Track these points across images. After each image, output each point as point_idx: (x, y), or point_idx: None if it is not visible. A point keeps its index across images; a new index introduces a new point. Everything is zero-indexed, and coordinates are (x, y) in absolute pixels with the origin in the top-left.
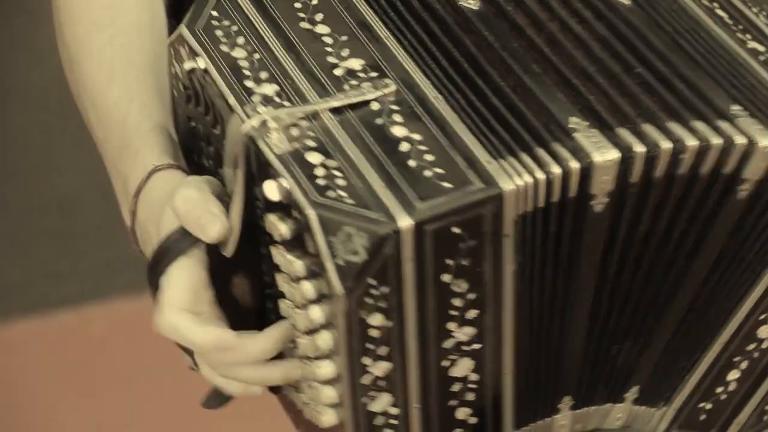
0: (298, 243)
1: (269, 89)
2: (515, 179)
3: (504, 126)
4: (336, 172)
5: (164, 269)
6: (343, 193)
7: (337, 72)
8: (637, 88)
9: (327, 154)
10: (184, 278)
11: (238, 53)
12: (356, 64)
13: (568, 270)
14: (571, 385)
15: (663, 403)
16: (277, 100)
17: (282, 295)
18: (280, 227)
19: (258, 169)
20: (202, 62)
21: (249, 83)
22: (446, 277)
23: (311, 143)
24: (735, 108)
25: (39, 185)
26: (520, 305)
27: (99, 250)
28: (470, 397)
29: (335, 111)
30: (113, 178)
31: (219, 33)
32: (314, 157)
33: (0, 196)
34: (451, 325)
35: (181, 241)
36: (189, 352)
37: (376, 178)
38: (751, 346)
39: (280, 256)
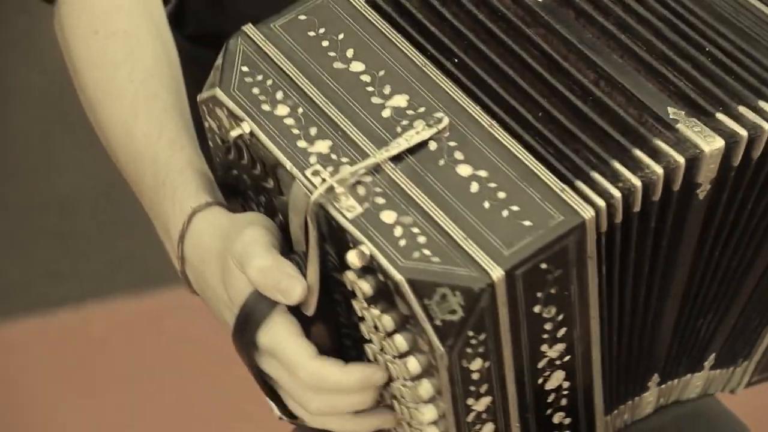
0: (381, 297)
1: (323, 146)
2: (596, 201)
3: (589, 132)
4: (414, 229)
5: (254, 333)
6: (427, 252)
7: (385, 114)
8: (715, 68)
9: (400, 210)
10: (292, 330)
11: (282, 111)
12: (402, 100)
13: (667, 258)
14: (660, 363)
15: (742, 360)
16: (334, 157)
17: (364, 339)
18: (362, 286)
19: (329, 231)
20: (247, 127)
21: (301, 143)
22: (537, 308)
23: (381, 200)
24: None
25: (39, 185)
26: (612, 302)
27: (99, 250)
28: (564, 402)
29: (395, 159)
30: (152, 217)
31: (256, 91)
32: (388, 216)
33: (0, 196)
34: (544, 347)
35: (260, 303)
36: (278, 401)
37: (455, 228)
38: None
39: (365, 311)
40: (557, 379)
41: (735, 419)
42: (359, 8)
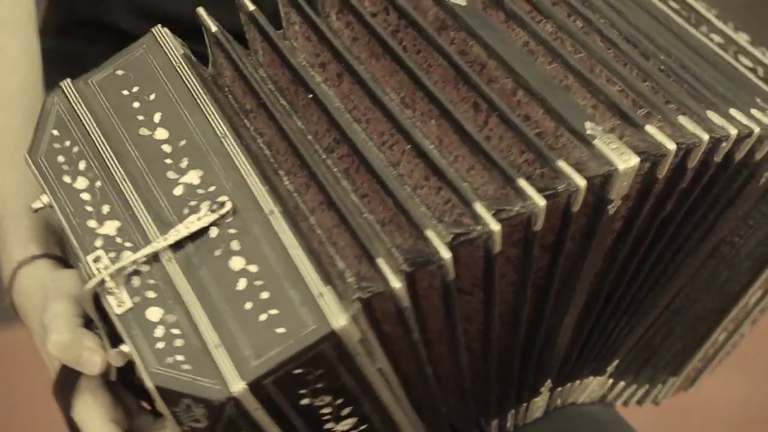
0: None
1: (111, 227)
2: (392, 283)
3: (471, 163)
4: (174, 330)
5: (69, 398)
6: (180, 357)
7: (177, 191)
8: (662, 76)
9: (166, 307)
10: (97, 412)
11: (81, 183)
12: (195, 177)
13: (569, 269)
14: (554, 370)
15: (670, 375)
16: (119, 240)
17: None
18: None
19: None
20: (47, 199)
21: (91, 223)
22: (305, 401)
23: (151, 294)
24: (758, 101)
25: None
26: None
27: None
28: None
29: (175, 246)
30: None
31: (61, 159)
32: (154, 314)
33: None
34: (329, 425)
35: (72, 374)
36: None
37: (212, 333)
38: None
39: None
40: None
41: (629, 428)
42: (174, 64)
